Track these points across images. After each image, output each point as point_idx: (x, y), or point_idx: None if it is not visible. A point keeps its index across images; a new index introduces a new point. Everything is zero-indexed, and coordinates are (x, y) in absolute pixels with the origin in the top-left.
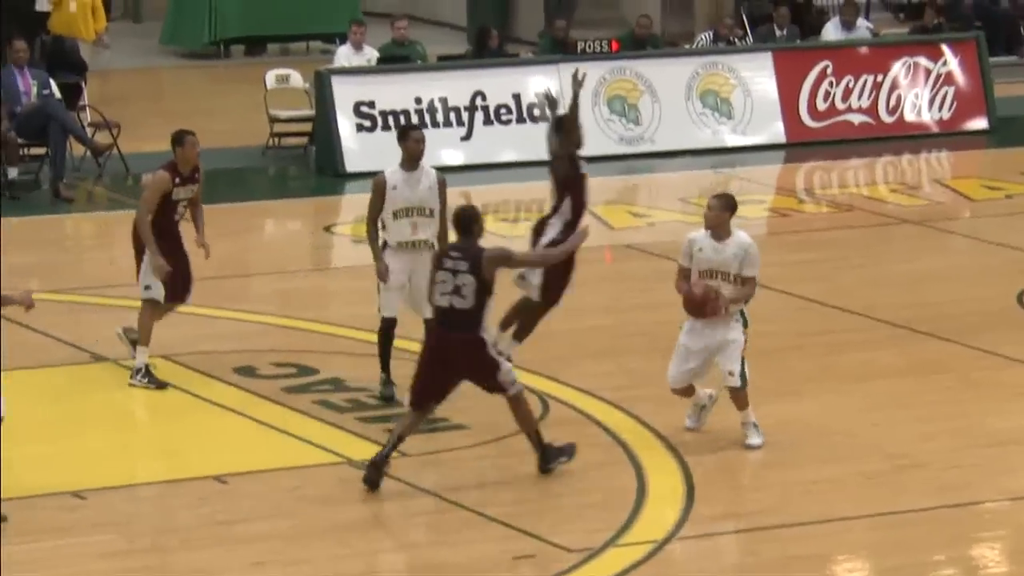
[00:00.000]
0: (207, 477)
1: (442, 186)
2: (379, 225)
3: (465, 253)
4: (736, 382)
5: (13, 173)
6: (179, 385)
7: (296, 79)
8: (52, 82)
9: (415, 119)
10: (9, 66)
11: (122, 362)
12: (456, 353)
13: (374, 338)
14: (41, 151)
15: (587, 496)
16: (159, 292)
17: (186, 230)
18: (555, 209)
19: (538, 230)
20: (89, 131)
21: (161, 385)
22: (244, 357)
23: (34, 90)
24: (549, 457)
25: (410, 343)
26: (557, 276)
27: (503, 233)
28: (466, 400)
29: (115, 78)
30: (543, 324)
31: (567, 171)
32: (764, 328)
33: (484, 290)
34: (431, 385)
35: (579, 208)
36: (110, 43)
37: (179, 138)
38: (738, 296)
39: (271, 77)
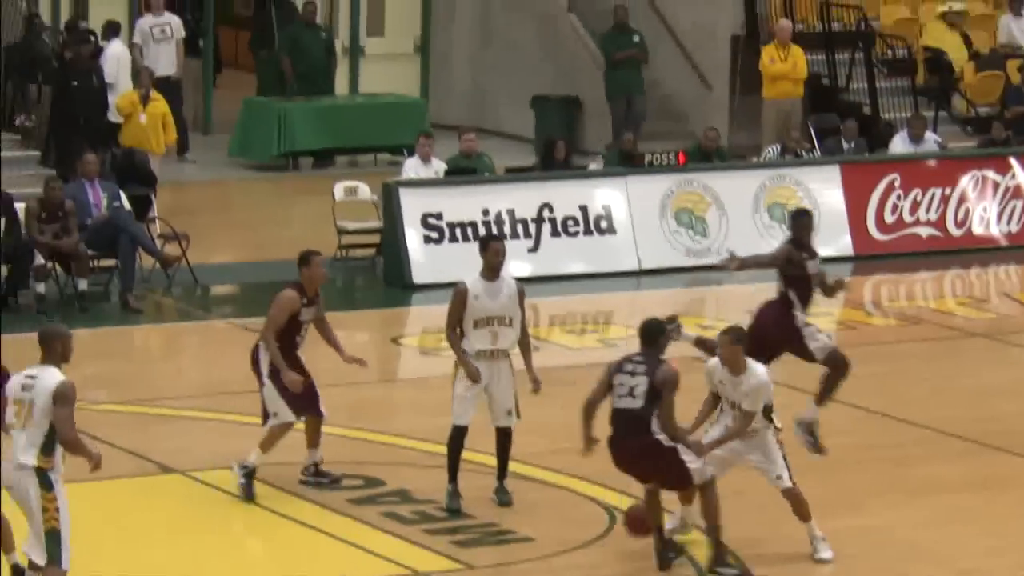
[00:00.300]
0: None
1: (521, 296)
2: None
3: (647, 360)
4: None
5: (83, 285)
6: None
7: (364, 191)
8: (122, 194)
9: (482, 231)
10: (80, 179)
11: (189, 473)
12: (635, 459)
13: (441, 449)
14: (111, 263)
15: None
16: (287, 416)
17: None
18: None
19: None
20: (158, 243)
21: (249, 496)
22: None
23: (104, 202)
24: (718, 558)
25: (476, 454)
26: None
27: (569, 345)
28: (532, 514)
29: (184, 190)
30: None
31: None
32: (829, 441)
33: (656, 396)
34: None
35: None
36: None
37: (305, 258)
38: (731, 434)
39: (339, 189)
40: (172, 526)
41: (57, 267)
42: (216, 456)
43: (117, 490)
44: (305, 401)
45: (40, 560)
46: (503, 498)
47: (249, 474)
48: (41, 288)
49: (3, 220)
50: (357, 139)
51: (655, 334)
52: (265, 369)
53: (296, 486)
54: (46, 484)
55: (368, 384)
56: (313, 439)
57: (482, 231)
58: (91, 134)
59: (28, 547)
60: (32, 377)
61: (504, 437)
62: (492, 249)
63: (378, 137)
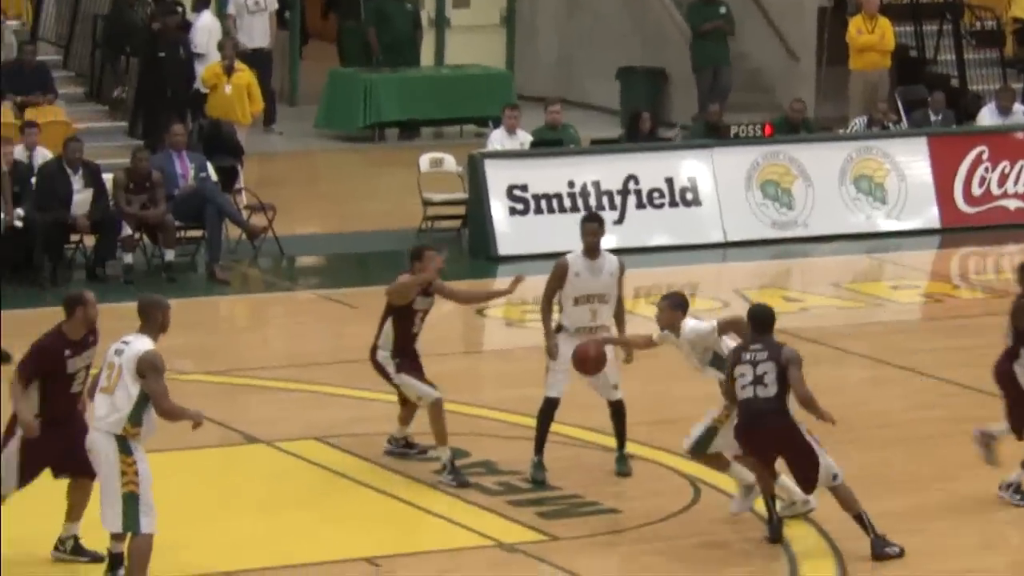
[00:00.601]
0: (359, 559)
1: (621, 271)
2: (554, 306)
3: (767, 346)
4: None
5: (170, 255)
6: (331, 467)
7: (450, 162)
8: (209, 165)
9: (567, 203)
10: (167, 149)
11: (275, 444)
12: (774, 447)
13: (525, 421)
14: (197, 234)
15: None
16: (431, 394)
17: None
18: None
19: None
20: (245, 214)
21: (463, 483)
22: (393, 427)
23: (191, 173)
24: (877, 546)
25: (561, 426)
26: None
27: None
28: (617, 486)
29: (271, 161)
30: (696, 408)
31: None
32: (920, 415)
33: (784, 379)
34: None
35: None
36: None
37: (418, 253)
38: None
39: (425, 160)
40: (257, 497)
41: (144, 238)
42: (301, 426)
43: (203, 460)
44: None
45: (116, 528)
46: (622, 468)
47: (451, 465)
48: (128, 259)
49: (91, 191)
50: (443, 111)
51: (769, 320)
52: (391, 368)
53: (381, 456)
54: (125, 448)
55: (453, 355)
56: (407, 417)
57: (567, 203)
58: (178, 105)
59: (104, 521)
60: (126, 343)
61: (616, 410)
62: (585, 229)
63: (464, 109)
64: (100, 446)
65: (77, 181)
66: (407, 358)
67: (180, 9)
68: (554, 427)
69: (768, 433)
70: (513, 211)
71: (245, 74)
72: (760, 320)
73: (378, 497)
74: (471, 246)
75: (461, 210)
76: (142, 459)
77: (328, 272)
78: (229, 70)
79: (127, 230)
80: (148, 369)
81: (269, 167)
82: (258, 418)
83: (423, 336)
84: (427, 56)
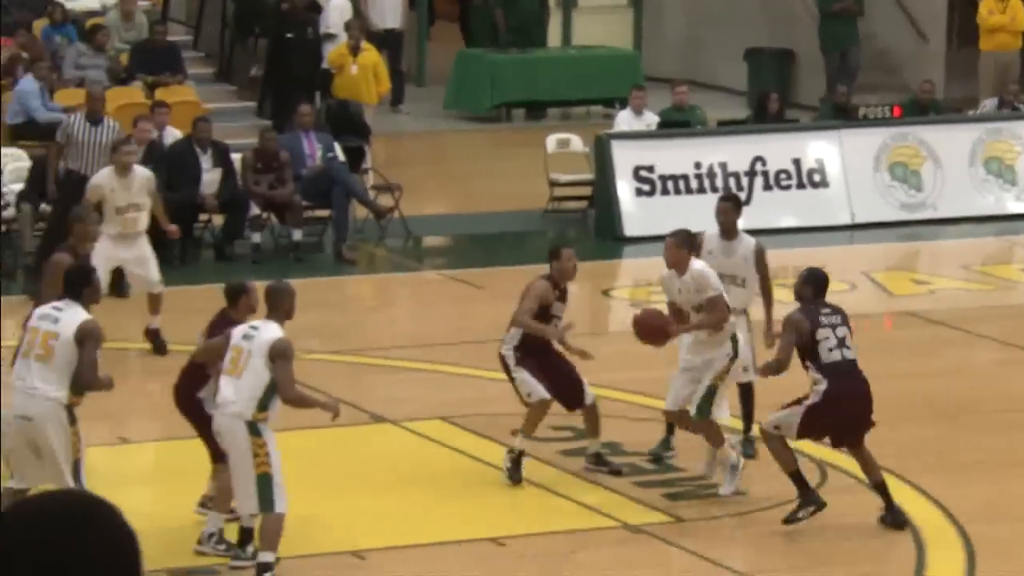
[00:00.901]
0: (484, 539)
1: (759, 255)
2: None
3: (836, 308)
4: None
5: (297, 235)
6: (457, 447)
7: (576, 143)
8: (336, 145)
9: (694, 184)
10: (295, 130)
11: (401, 423)
12: (868, 405)
13: (651, 402)
14: (325, 214)
15: (860, 567)
16: (542, 393)
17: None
18: None
19: None
20: (372, 194)
21: (516, 479)
22: (521, 420)
23: (319, 153)
24: (892, 515)
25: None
26: None
27: (784, 299)
28: (746, 467)
29: (398, 141)
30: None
31: None
32: None
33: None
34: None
35: None
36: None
37: (555, 251)
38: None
39: (552, 141)
40: (384, 476)
41: (272, 217)
42: (428, 406)
43: (330, 439)
44: (569, 393)
45: (252, 509)
46: (748, 451)
47: (516, 459)
48: (256, 238)
49: (220, 171)
50: (569, 91)
51: (825, 281)
52: (512, 360)
53: (506, 437)
54: (255, 431)
55: (579, 336)
56: (594, 428)
57: (694, 184)
58: (306, 85)
59: (239, 503)
60: (255, 328)
61: (745, 391)
62: (718, 208)
63: (590, 89)
64: (228, 430)
65: (206, 161)
66: (531, 356)
67: None
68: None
69: (866, 391)
70: (639, 192)
71: (371, 54)
72: (821, 282)
73: (502, 477)
74: (597, 227)
75: (587, 191)
76: (271, 440)
77: (454, 252)
78: (355, 50)
79: (255, 210)
80: (279, 356)
81: (396, 147)
82: (385, 398)
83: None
84: (554, 37)
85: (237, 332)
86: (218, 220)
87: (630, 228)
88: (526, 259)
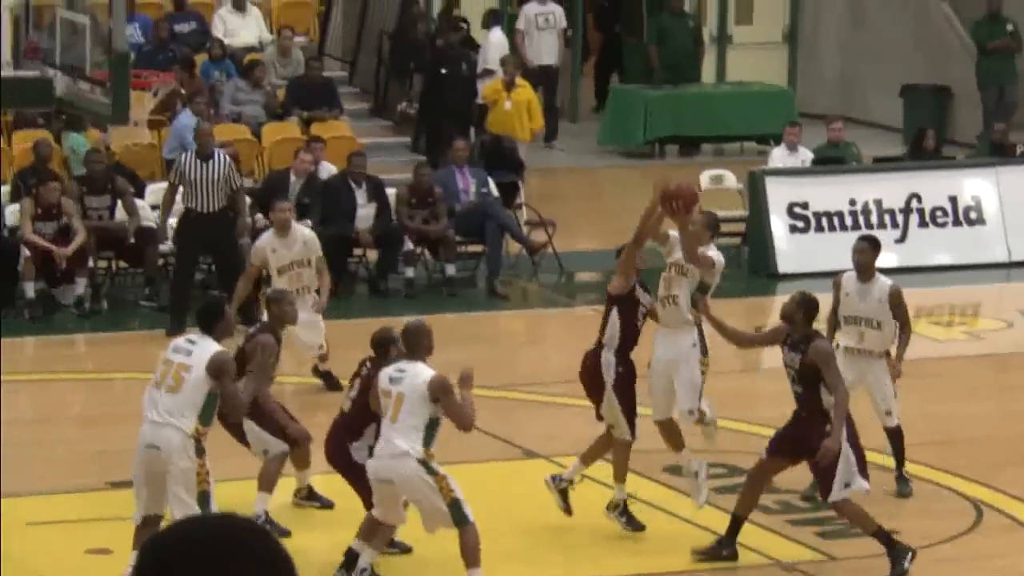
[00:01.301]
0: (637, 575)
1: (894, 297)
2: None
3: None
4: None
5: (451, 270)
6: (609, 483)
7: (730, 179)
8: (490, 180)
9: (848, 221)
10: (449, 165)
11: (553, 459)
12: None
13: None
14: (478, 249)
15: None
16: (626, 434)
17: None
18: None
19: None
20: (525, 229)
21: (638, 527)
22: (674, 456)
23: (472, 188)
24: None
25: None
26: None
27: (936, 336)
28: (896, 507)
29: (552, 177)
30: (977, 429)
31: None
32: None
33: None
34: None
35: None
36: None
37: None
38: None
39: (705, 177)
40: (537, 512)
41: (426, 252)
42: (579, 442)
43: (483, 474)
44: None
45: (448, 526)
46: (903, 489)
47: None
48: (410, 273)
49: (374, 205)
50: (723, 127)
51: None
52: (610, 378)
53: (658, 473)
54: (430, 469)
55: (731, 373)
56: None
57: (848, 221)
58: (460, 121)
59: (431, 527)
60: (401, 371)
61: (892, 435)
62: (855, 247)
63: (744, 126)
64: (399, 474)
65: (361, 195)
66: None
67: (464, 26)
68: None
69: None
70: (793, 228)
71: (526, 90)
72: (815, 310)
73: (656, 514)
74: (751, 263)
75: (741, 227)
76: (444, 472)
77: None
78: (510, 86)
79: (409, 244)
80: (440, 391)
81: (550, 183)
82: (537, 433)
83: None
84: (708, 73)
85: (383, 376)
86: (372, 255)
87: (784, 265)
88: None
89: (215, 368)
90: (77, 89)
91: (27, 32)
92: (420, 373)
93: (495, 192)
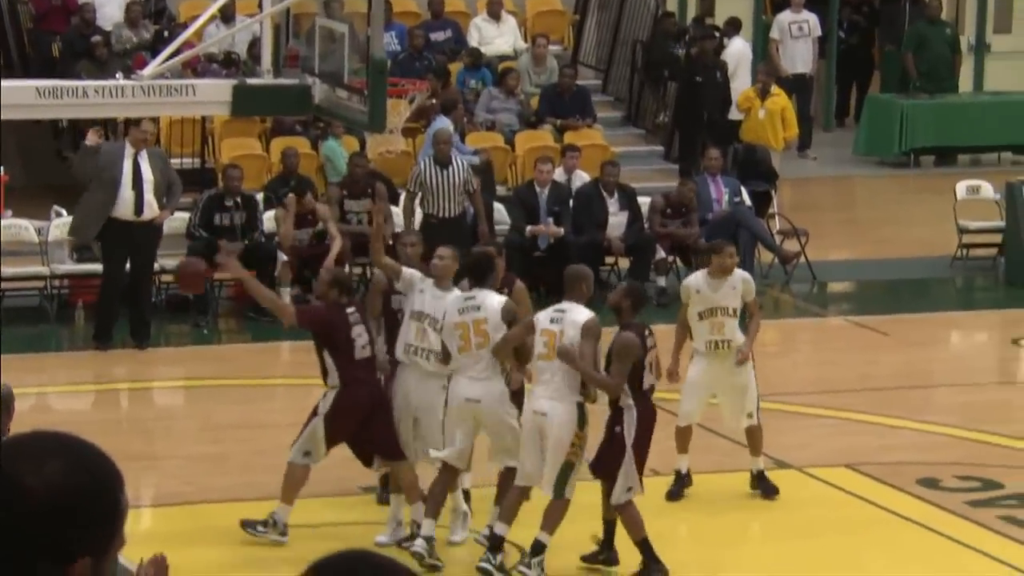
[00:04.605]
0: None
1: None
2: None
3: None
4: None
5: (661, 282)
6: (862, 495)
7: (987, 190)
8: (743, 190)
9: None
10: (703, 174)
11: (805, 470)
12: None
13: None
14: None
15: None
16: None
17: None
18: None
19: None
20: (778, 239)
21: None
22: (928, 469)
23: (725, 198)
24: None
25: None
26: None
27: None
28: None
29: (805, 186)
30: None
31: None
32: None
33: None
34: None
35: None
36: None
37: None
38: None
39: (961, 187)
40: (790, 523)
41: (677, 261)
42: (832, 453)
43: (733, 483)
44: None
45: (547, 492)
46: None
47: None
48: (662, 282)
49: (626, 214)
50: (980, 137)
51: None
52: None
53: (911, 485)
54: (582, 421)
55: (987, 385)
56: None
57: None
58: (714, 130)
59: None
60: (560, 311)
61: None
62: None
63: (1002, 135)
64: (555, 412)
65: (613, 204)
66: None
67: (717, 34)
68: None
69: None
70: None
71: (780, 99)
72: (641, 299)
73: (908, 526)
74: (1008, 274)
75: (998, 238)
76: (587, 435)
77: (859, 298)
78: (764, 94)
79: (661, 253)
80: (586, 332)
81: (803, 192)
82: (788, 443)
83: (960, 364)
84: (965, 82)
85: (542, 317)
86: (624, 263)
87: None
88: (933, 307)
89: (505, 315)
90: (335, 96)
91: (287, 40)
92: (578, 313)
93: (748, 201)
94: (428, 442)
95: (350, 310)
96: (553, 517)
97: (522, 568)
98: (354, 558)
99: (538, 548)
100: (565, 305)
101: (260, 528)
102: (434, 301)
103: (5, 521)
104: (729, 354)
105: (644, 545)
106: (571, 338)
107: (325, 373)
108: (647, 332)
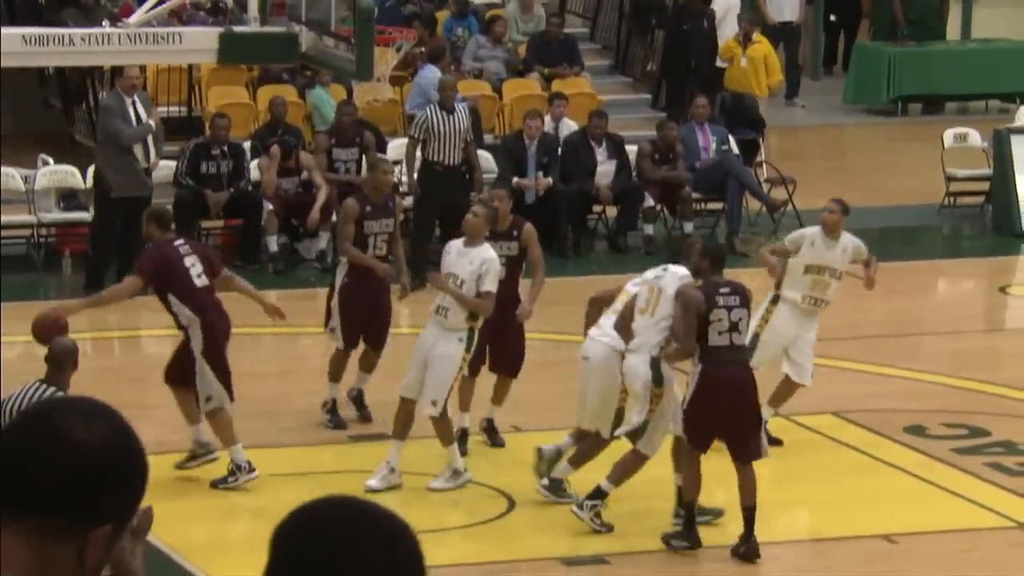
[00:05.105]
0: (876, 536)
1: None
2: None
3: (735, 287)
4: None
5: (689, 227)
6: (849, 442)
7: (974, 138)
8: (731, 138)
9: None
10: (690, 122)
11: (792, 417)
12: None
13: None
14: (718, 206)
15: None
16: None
17: None
18: None
19: None
20: (765, 187)
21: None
22: (914, 416)
23: (713, 146)
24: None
25: None
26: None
27: None
28: None
29: (793, 134)
30: None
31: None
32: None
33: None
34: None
35: None
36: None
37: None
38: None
39: (949, 136)
40: (776, 469)
41: (664, 209)
42: (819, 400)
43: None
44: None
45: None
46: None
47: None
48: (649, 230)
49: (614, 162)
50: (968, 85)
51: (724, 255)
52: None
53: (898, 433)
54: (658, 378)
55: (974, 333)
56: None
57: None
58: (701, 78)
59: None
60: (664, 269)
61: None
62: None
63: (989, 83)
64: (632, 366)
65: (601, 153)
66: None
67: None
68: None
69: (737, 382)
70: None
71: (762, 46)
72: (720, 257)
73: (895, 474)
74: (995, 223)
75: (985, 186)
76: (669, 394)
77: None
78: (746, 42)
79: (649, 201)
80: (680, 297)
81: (790, 140)
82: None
83: (948, 312)
84: (953, 30)
85: (649, 273)
86: (611, 212)
87: None
88: (921, 254)
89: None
90: (322, 45)
91: None
92: (679, 271)
93: (736, 150)
94: (427, 392)
95: (178, 242)
96: (622, 469)
97: (575, 509)
98: (336, 503)
99: (596, 494)
100: (670, 266)
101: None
102: (459, 258)
103: (51, 472)
104: (817, 312)
105: (689, 507)
106: (668, 300)
107: (176, 317)
108: (723, 289)
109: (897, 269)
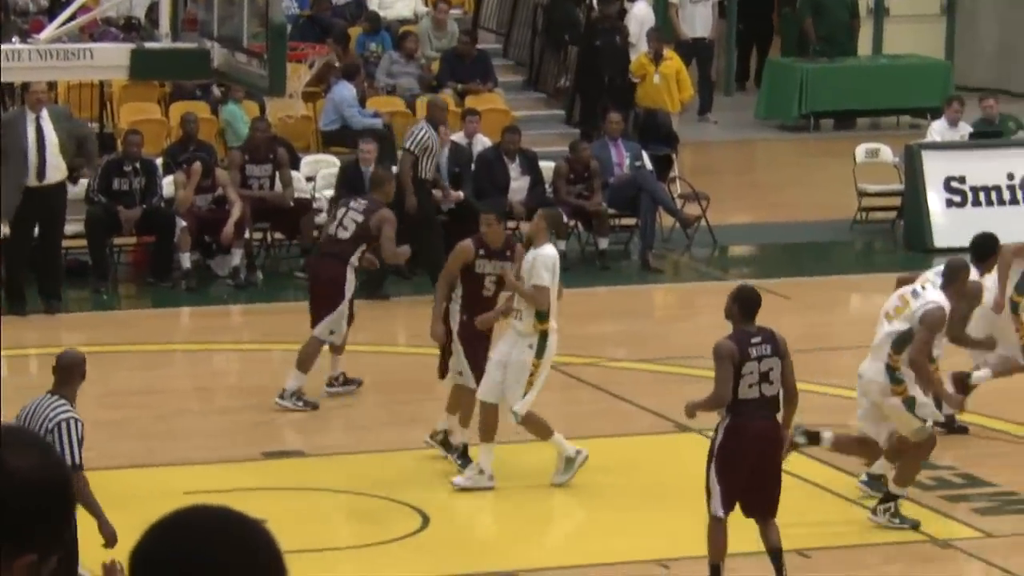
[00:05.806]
0: (790, 551)
1: None
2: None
3: (768, 335)
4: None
5: (604, 243)
6: None
7: (886, 153)
8: (644, 154)
9: (1007, 195)
10: (603, 137)
11: (706, 432)
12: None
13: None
14: (631, 222)
15: None
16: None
17: None
18: None
19: None
20: (679, 202)
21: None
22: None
23: (626, 162)
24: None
25: (1004, 423)
26: None
27: None
28: None
29: (707, 150)
30: None
31: None
32: None
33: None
34: None
35: None
36: (715, 119)
37: None
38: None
39: (861, 151)
40: (689, 486)
41: (579, 225)
42: None
43: (635, 447)
44: None
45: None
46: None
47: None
48: (563, 246)
49: (528, 178)
50: (879, 101)
51: (758, 301)
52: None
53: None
54: (894, 378)
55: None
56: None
57: (1006, 196)
58: (615, 94)
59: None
60: (923, 287)
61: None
62: None
63: (901, 99)
64: (871, 374)
65: (514, 169)
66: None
67: None
68: (995, 423)
69: (767, 434)
70: (950, 203)
71: (673, 62)
72: (753, 303)
73: (807, 488)
74: (906, 238)
75: (897, 201)
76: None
77: (761, 262)
78: (657, 59)
79: (563, 217)
80: (925, 321)
81: (704, 156)
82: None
83: (860, 327)
84: (864, 46)
85: (906, 288)
86: (525, 227)
87: (940, 239)
88: (833, 270)
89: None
90: (234, 61)
91: (186, 4)
92: (933, 295)
93: (649, 165)
94: (507, 395)
95: None
96: (904, 471)
97: (871, 516)
98: (194, 513)
99: (888, 497)
100: (930, 286)
101: None
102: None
103: None
104: None
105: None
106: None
107: None
108: (755, 339)
109: (810, 284)
